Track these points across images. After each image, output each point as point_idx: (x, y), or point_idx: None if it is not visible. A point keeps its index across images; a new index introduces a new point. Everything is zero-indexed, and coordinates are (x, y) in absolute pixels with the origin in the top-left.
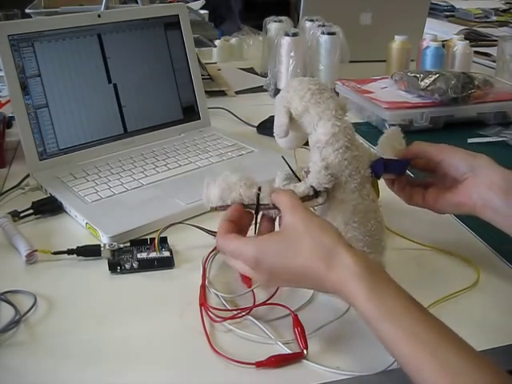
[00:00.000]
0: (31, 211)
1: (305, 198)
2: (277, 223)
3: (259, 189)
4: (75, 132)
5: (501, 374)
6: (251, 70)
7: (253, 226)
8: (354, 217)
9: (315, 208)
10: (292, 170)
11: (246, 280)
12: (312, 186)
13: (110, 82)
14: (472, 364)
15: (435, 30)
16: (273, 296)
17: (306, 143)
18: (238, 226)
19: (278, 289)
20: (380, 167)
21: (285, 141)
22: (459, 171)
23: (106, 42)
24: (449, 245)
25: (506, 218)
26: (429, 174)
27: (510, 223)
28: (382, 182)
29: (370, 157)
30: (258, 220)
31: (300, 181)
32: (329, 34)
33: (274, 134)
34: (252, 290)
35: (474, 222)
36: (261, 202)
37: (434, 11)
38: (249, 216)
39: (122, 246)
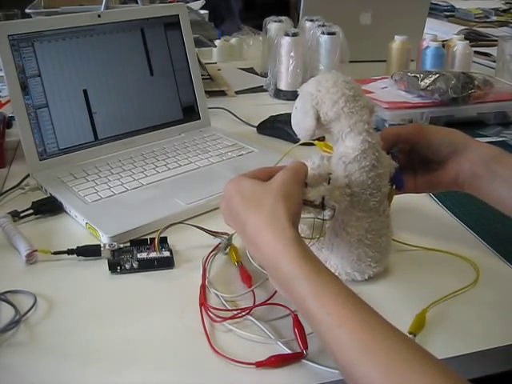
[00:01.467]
0: (31, 211)
1: (309, 203)
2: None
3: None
4: (75, 132)
5: (414, 341)
6: (251, 70)
7: None
8: (368, 234)
9: (325, 219)
10: None
11: (246, 280)
12: (323, 198)
13: (111, 81)
14: (388, 327)
15: (435, 29)
16: (273, 296)
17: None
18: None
19: None
20: (400, 179)
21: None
22: (440, 153)
23: (106, 42)
24: (449, 245)
25: (489, 192)
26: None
27: (492, 196)
28: None
29: (390, 167)
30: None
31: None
32: (329, 34)
33: (296, 133)
34: (252, 290)
35: (473, 222)
36: None
37: (434, 11)
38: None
39: (122, 245)
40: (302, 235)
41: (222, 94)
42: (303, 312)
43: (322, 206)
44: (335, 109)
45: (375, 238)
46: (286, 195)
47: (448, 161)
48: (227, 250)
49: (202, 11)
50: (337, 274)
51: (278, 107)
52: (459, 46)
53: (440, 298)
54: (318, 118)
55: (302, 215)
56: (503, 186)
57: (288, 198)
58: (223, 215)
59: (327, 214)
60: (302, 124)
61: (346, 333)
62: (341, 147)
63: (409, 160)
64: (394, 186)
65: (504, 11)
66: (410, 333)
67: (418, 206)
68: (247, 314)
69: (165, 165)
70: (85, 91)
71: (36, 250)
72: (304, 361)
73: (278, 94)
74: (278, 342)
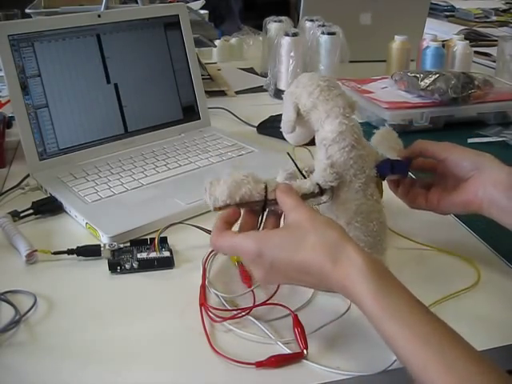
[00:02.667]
0: (31, 211)
1: (310, 195)
2: (282, 221)
3: (266, 184)
4: (75, 132)
5: (502, 375)
6: (251, 70)
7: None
8: (357, 216)
9: (318, 207)
10: (297, 166)
11: (246, 280)
12: (318, 184)
13: (108, 82)
14: (475, 365)
15: (435, 30)
16: (273, 296)
17: (308, 143)
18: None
19: (278, 288)
20: (387, 168)
21: (292, 136)
22: (464, 169)
23: (105, 42)
24: (449, 245)
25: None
26: (428, 174)
27: None
28: (384, 184)
29: (376, 157)
30: (265, 216)
31: (305, 178)
32: (329, 34)
33: (282, 130)
34: (252, 290)
35: (473, 222)
36: (269, 198)
37: (434, 11)
38: (251, 217)
39: (122, 245)
40: None
41: (222, 93)
42: (388, 344)
43: (321, 192)
44: (311, 98)
45: (365, 221)
46: (326, 222)
47: (471, 178)
48: None
49: (202, 11)
50: None
51: (278, 107)
52: (459, 45)
53: (440, 298)
54: (298, 111)
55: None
56: None
57: (328, 223)
58: (270, 282)
59: (325, 197)
60: (284, 119)
61: (431, 375)
62: (321, 133)
63: (436, 177)
64: (378, 175)
65: (504, 11)
66: None
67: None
68: (247, 314)
69: (165, 165)
70: (85, 91)
71: (36, 250)
72: (304, 361)
73: (278, 93)
74: (278, 342)
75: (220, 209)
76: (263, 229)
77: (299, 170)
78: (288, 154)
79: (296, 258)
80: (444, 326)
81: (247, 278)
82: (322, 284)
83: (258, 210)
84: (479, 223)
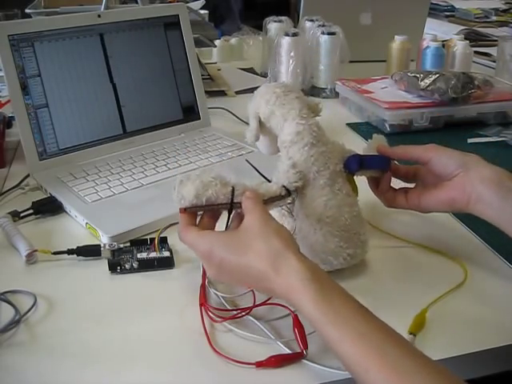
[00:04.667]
0: (31, 211)
1: (277, 198)
2: None
3: (233, 188)
4: (75, 132)
5: (442, 371)
6: (251, 70)
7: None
8: (326, 212)
9: (291, 208)
10: (258, 170)
11: None
12: (284, 186)
13: (111, 81)
14: (418, 364)
15: (435, 30)
16: (273, 296)
17: None
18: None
19: None
20: (354, 163)
21: (261, 146)
22: (450, 168)
23: (106, 42)
24: (436, 242)
25: (499, 211)
26: (410, 182)
27: (503, 217)
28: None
29: (342, 152)
30: (231, 218)
31: (269, 181)
32: (329, 34)
33: (247, 140)
34: (252, 290)
35: (466, 217)
36: (235, 201)
37: (434, 11)
38: (210, 219)
39: (122, 245)
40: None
41: (222, 93)
42: (330, 348)
43: (288, 193)
44: (269, 106)
45: (335, 215)
46: (276, 230)
47: (457, 176)
48: None
49: (202, 11)
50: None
51: None
52: (459, 45)
53: (437, 297)
54: (259, 120)
55: (272, 211)
56: None
57: (278, 231)
58: (218, 279)
59: (292, 198)
60: (248, 129)
61: (374, 377)
62: (281, 137)
63: (421, 176)
64: (347, 170)
65: (504, 11)
66: (411, 333)
67: None
68: (247, 314)
69: (165, 165)
70: (85, 91)
71: (36, 250)
72: (304, 361)
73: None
74: (278, 342)
75: (185, 210)
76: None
77: (261, 173)
78: (247, 160)
79: (242, 262)
80: (385, 326)
81: None
82: (265, 289)
83: (220, 212)
84: (477, 221)
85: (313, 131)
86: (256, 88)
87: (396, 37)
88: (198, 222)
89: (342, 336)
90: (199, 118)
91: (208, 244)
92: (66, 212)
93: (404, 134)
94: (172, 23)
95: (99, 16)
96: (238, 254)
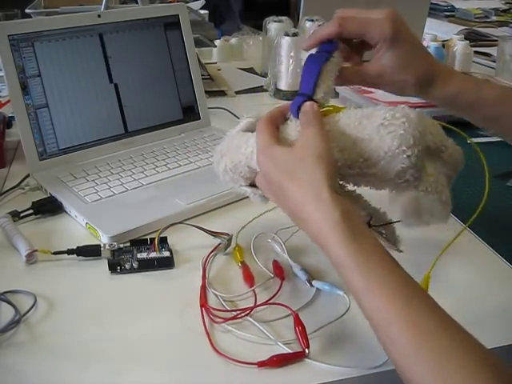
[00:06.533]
0: (31, 211)
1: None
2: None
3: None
4: (75, 132)
5: (469, 336)
6: (251, 70)
7: None
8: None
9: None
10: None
11: (248, 280)
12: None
13: (111, 81)
14: (441, 324)
15: (435, 29)
16: (274, 296)
17: None
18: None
19: (279, 289)
20: (294, 105)
21: None
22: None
23: (106, 42)
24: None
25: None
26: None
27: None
28: None
29: None
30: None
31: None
32: None
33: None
34: (253, 290)
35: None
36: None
37: (434, 11)
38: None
39: (122, 245)
40: None
41: (222, 93)
42: (354, 296)
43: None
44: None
45: None
46: (320, 157)
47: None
48: (228, 249)
49: (202, 11)
50: None
51: None
52: (459, 46)
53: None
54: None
55: None
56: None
57: (321, 159)
58: (263, 191)
59: None
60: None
61: (396, 331)
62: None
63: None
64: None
65: (504, 11)
66: None
67: None
68: (247, 314)
69: (165, 165)
70: (85, 91)
71: (36, 250)
72: (306, 360)
73: (278, 93)
74: (279, 343)
75: None
76: None
77: None
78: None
79: (284, 184)
80: (413, 282)
81: (250, 278)
82: (300, 221)
83: None
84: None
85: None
86: (256, 88)
87: None
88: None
89: (368, 284)
90: (199, 118)
91: (267, 157)
92: (66, 212)
93: None
94: (172, 23)
95: (99, 16)
96: (282, 176)
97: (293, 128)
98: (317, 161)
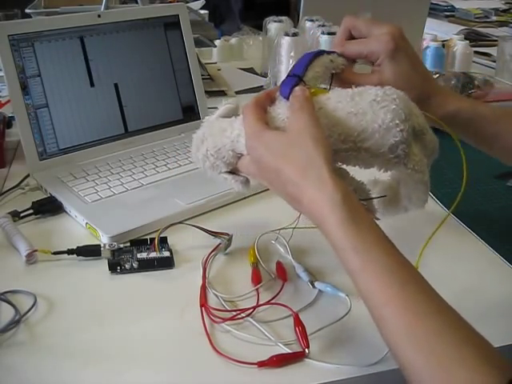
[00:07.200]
0: (31, 211)
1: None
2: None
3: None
4: (75, 132)
5: (463, 322)
6: (251, 70)
7: None
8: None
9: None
10: None
11: (255, 281)
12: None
13: (111, 81)
14: (435, 307)
15: (435, 30)
16: (275, 297)
17: None
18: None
19: (280, 291)
20: (285, 87)
21: None
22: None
23: (106, 42)
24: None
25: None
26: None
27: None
28: None
29: None
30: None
31: None
32: (329, 34)
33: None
34: (256, 289)
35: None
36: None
37: (434, 11)
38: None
39: (122, 245)
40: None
41: (222, 93)
42: (350, 277)
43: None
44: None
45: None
46: (317, 141)
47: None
48: (228, 249)
49: (202, 11)
50: None
51: None
52: (459, 46)
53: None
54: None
55: None
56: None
57: (319, 143)
58: (253, 176)
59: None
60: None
61: (390, 313)
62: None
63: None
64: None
65: (504, 11)
66: None
67: None
68: (247, 315)
69: (165, 165)
70: (85, 91)
71: (36, 250)
72: (306, 360)
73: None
74: (279, 343)
75: None
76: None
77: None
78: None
79: (281, 169)
80: (409, 264)
81: (257, 279)
82: (293, 197)
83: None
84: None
85: None
86: (256, 88)
87: None
88: None
89: (364, 265)
90: (199, 118)
91: (258, 142)
92: (66, 212)
93: None
94: (172, 23)
95: (99, 16)
96: (278, 160)
97: (283, 109)
98: (315, 145)
